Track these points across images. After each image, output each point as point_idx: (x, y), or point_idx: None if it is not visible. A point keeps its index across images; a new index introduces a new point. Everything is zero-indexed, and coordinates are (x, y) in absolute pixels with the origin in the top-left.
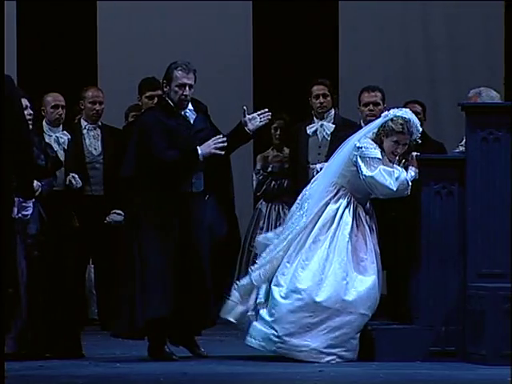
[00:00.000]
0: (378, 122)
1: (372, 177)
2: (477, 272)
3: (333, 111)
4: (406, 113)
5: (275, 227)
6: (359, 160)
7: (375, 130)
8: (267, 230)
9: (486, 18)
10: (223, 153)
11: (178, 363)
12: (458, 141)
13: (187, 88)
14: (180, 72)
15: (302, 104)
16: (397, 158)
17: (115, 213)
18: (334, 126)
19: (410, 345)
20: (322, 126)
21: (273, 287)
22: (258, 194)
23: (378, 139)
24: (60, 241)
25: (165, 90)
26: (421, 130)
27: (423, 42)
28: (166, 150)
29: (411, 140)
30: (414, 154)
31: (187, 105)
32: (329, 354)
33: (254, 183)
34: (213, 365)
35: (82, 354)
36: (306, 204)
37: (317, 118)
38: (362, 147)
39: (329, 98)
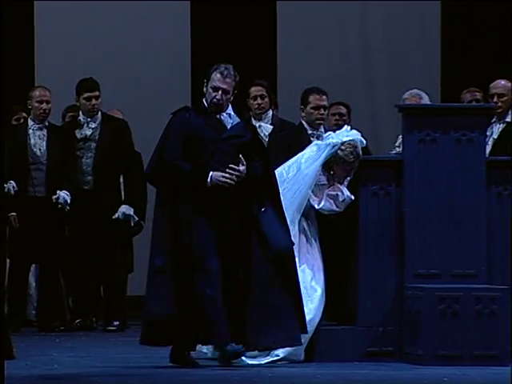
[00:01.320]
0: (327, 152)
1: (320, 208)
2: (413, 272)
3: (270, 112)
4: (350, 135)
5: None
6: None
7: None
8: None
9: (422, 19)
10: (233, 183)
11: (115, 364)
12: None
13: (220, 92)
14: (218, 75)
15: (239, 105)
16: None
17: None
18: (271, 126)
19: (347, 345)
20: (259, 127)
21: None
22: None
23: (327, 167)
24: None
25: (204, 89)
26: (364, 142)
27: (360, 42)
28: (180, 158)
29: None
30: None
31: (221, 110)
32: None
33: None
34: (151, 366)
35: (13, 356)
36: None
37: (254, 119)
38: None
39: (266, 99)
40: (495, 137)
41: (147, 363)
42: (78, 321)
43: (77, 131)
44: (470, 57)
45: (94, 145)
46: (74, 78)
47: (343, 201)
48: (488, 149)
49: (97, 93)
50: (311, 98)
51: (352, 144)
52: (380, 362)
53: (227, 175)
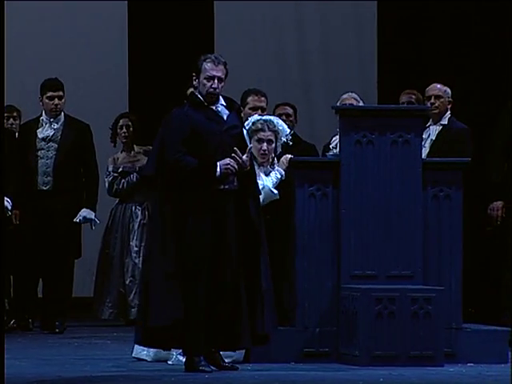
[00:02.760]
0: (246, 133)
1: None
2: (350, 273)
3: None
4: (266, 116)
5: (128, 229)
6: None
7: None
8: (121, 233)
9: (358, 19)
10: (234, 169)
11: (52, 366)
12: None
13: (216, 80)
14: (209, 64)
15: (178, 105)
16: (269, 160)
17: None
18: None
19: (284, 346)
20: None
21: None
22: (111, 195)
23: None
24: None
25: (194, 83)
26: (288, 130)
27: (297, 43)
28: (183, 154)
29: (283, 141)
30: (288, 156)
31: (217, 99)
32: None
33: (106, 185)
34: (88, 369)
35: None
36: None
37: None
38: None
39: None
40: (433, 138)
41: (84, 365)
42: (13, 321)
43: (38, 131)
44: (407, 58)
45: (55, 146)
46: (10, 78)
47: (262, 188)
48: (426, 151)
49: (60, 93)
50: (249, 99)
51: (264, 119)
52: (316, 363)
53: (232, 162)
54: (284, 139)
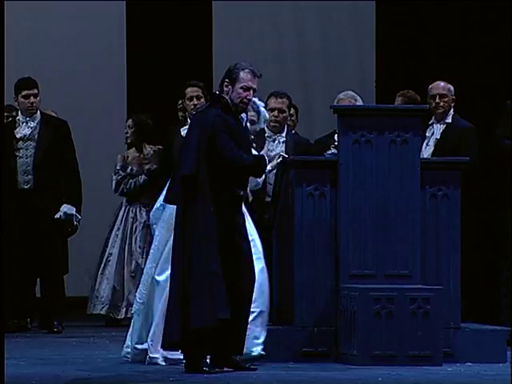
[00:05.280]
0: None
1: None
2: (348, 273)
3: None
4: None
5: (130, 229)
6: None
7: None
8: (123, 233)
9: (356, 19)
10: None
11: (51, 366)
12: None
13: (251, 92)
14: (249, 75)
15: (175, 105)
16: None
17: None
18: None
19: (282, 346)
20: None
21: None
22: (117, 193)
23: None
24: None
25: (225, 89)
26: (267, 116)
27: (296, 44)
28: (239, 151)
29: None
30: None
31: (245, 109)
32: None
33: (113, 183)
34: (88, 368)
35: None
36: None
37: (191, 120)
38: None
39: (202, 100)
40: (438, 137)
41: (83, 364)
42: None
43: (16, 131)
44: (405, 58)
45: (33, 144)
46: (10, 78)
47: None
48: (430, 149)
49: (35, 91)
50: (269, 101)
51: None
52: (315, 363)
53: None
54: (264, 125)
